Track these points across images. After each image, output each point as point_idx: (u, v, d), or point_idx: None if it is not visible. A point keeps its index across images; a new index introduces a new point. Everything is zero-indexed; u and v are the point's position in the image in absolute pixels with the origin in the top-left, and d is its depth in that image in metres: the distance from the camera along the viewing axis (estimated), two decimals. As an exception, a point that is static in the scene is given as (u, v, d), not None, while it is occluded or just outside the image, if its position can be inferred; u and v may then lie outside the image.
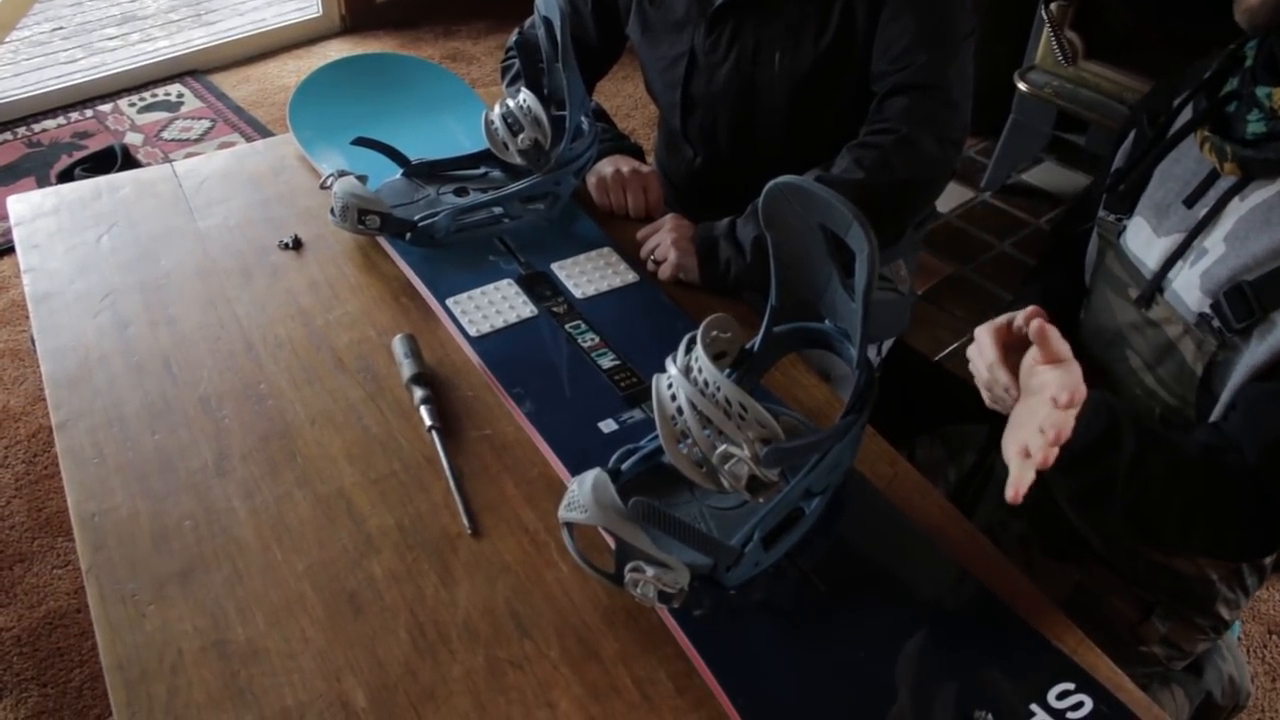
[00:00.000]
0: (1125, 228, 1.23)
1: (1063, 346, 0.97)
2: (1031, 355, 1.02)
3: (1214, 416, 1.11)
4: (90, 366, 1.32)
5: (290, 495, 1.16)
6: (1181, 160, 1.17)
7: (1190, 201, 1.14)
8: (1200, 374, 1.12)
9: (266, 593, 1.06)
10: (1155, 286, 1.16)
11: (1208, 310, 1.09)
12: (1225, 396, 1.09)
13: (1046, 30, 2.93)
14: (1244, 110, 1.09)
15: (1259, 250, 1.04)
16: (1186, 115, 1.18)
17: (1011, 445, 0.96)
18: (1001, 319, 1.16)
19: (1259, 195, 1.07)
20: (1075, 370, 0.96)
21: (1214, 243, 1.10)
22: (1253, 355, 1.05)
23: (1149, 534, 1.10)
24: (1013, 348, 1.14)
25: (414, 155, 1.61)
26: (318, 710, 0.96)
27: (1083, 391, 0.94)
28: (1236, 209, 1.09)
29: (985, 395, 1.16)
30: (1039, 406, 0.95)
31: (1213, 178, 1.12)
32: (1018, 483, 0.92)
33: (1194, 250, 1.12)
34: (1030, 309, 1.13)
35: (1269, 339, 1.03)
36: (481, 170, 1.63)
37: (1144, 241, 1.20)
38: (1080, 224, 1.37)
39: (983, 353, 1.14)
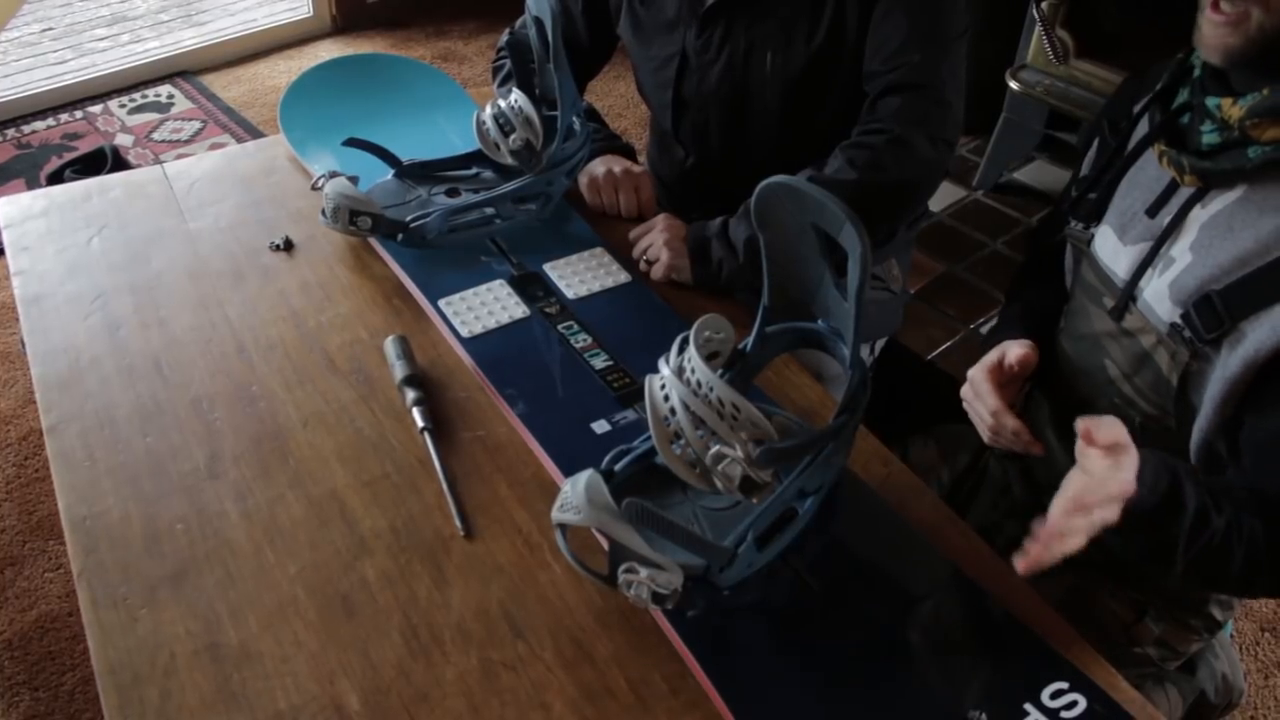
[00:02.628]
0: (1094, 236, 1.24)
1: (1112, 432, 0.93)
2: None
3: (1198, 433, 1.11)
4: (81, 369, 1.32)
5: (282, 497, 1.16)
6: (1144, 168, 1.17)
7: (1152, 211, 1.14)
8: (1176, 384, 1.11)
9: (259, 595, 1.06)
10: (1128, 296, 1.16)
11: (1178, 320, 1.08)
12: (1207, 410, 1.08)
13: (1038, 29, 2.93)
14: (1197, 122, 1.09)
15: (1224, 259, 1.04)
16: (1144, 127, 1.18)
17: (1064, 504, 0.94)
18: (992, 358, 1.19)
19: (1220, 203, 1.07)
20: (1128, 459, 0.93)
21: (1180, 251, 1.10)
22: (1225, 368, 1.04)
23: (1210, 585, 1.11)
24: (1007, 383, 1.17)
25: (405, 156, 1.60)
26: (311, 713, 0.95)
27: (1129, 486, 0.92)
28: (1199, 217, 1.09)
29: (986, 436, 1.18)
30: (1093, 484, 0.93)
31: (1174, 187, 1.12)
32: (1035, 560, 0.92)
33: (1161, 259, 1.12)
34: (1020, 352, 1.17)
35: (1239, 350, 1.02)
36: (473, 171, 1.63)
37: (1111, 251, 1.20)
38: (1057, 230, 1.37)
39: (982, 398, 1.17)
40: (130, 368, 1.32)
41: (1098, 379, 1.22)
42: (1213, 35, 1.03)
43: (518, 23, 1.71)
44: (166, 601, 1.05)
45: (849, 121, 1.53)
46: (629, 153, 1.72)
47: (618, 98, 3.78)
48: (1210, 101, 1.06)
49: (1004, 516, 1.39)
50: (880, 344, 1.80)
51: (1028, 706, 0.96)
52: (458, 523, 1.13)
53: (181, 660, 0.99)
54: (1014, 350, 1.19)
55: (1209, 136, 1.07)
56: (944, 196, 3.31)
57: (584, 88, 1.85)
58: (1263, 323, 1.00)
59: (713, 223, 1.47)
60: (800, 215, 1.00)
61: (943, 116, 1.48)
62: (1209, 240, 1.06)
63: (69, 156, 3.21)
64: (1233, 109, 1.03)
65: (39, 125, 3.58)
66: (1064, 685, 0.98)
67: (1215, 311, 1.04)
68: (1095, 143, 1.28)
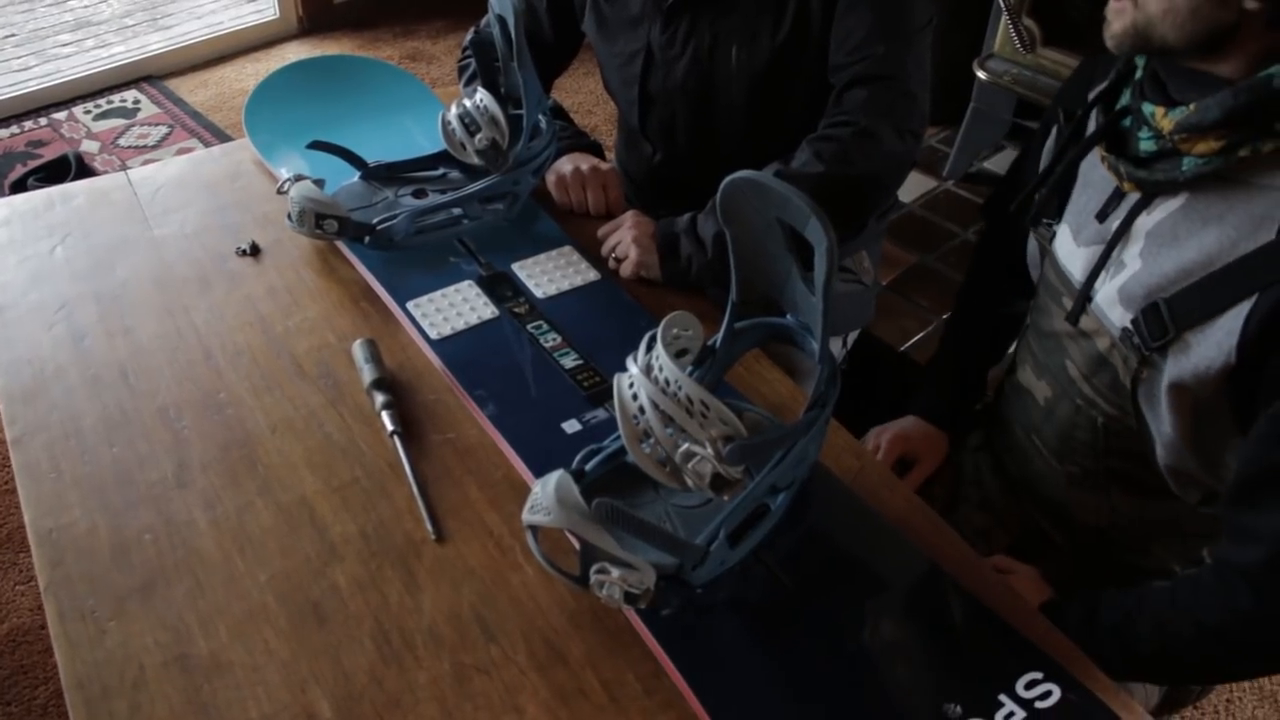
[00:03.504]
0: (1056, 233, 1.23)
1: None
2: None
3: (1162, 446, 1.12)
4: (46, 380, 1.30)
5: (252, 505, 1.15)
6: (1097, 167, 1.16)
7: (1102, 215, 1.13)
8: (1129, 387, 1.11)
9: (229, 605, 1.05)
10: (1084, 298, 1.15)
11: (1129, 325, 1.08)
12: (1165, 422, 1.09)
13: (1005, 18, 2.94)
14: (1136, 127, 1.08)
15: (1170, 268, 1.04)
16: (1093, 123, 1.17)
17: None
18: (899, 444, 1.44)
19: (1163, 211, 1.06)
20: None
21: (1131, 257, 1.09)
22: (1170, 377, 1.05)
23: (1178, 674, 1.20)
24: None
25: (372, 157, 1.59)
26: (283, 723, 0.95)
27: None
28: (1144, 224, 1.08)
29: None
30: None
31: (1121, 191, 1.12)
32: None
33: (1113, 263, 1.12)
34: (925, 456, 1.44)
35: (1185, 360, 1.02)
36: (440, 171, 1.62)
37: (1068, 251, 1.19)
38: (1003, 221, 1.38)
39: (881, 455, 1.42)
40: (96, 377, 1.30)
41: (1060, 378, 1.22)
42: (1110, 21, 1.03)
43: (482, 21, 1.70)
44: (135, 613, 1.03)
45: (815, 114, 1.52)
46: (596, 150, 1.71)
47: (586, 94, 3.77)
48: (1146, 108, 1.05)
49: (975, 509, 1.39)
50: (853, 337, 1.80)
51: (1002, 697, 0.96)
52: (428, 526, 1.12)
53: (151, 672, 0.98)
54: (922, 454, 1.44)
55: (1145, 144, 1.06)
56: (914, 187, 3.32)
57: (550, 85, 1.84)
58: (1208, 337, 1.00)
59: (681, 219, 1.47)
60: (765, 210, 0.99)
61: (908, 108, 1.48)
62: (1156, 248, 1.06)
63: (33, 164, 3.18)
64: (1164, 120, 1.02)
65: (2, 133, 3.54)
66: (1038, 675, 0.98)
67: (1161, 320, 1.04)
68: (1054, 131, 1.28)
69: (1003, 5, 2.91)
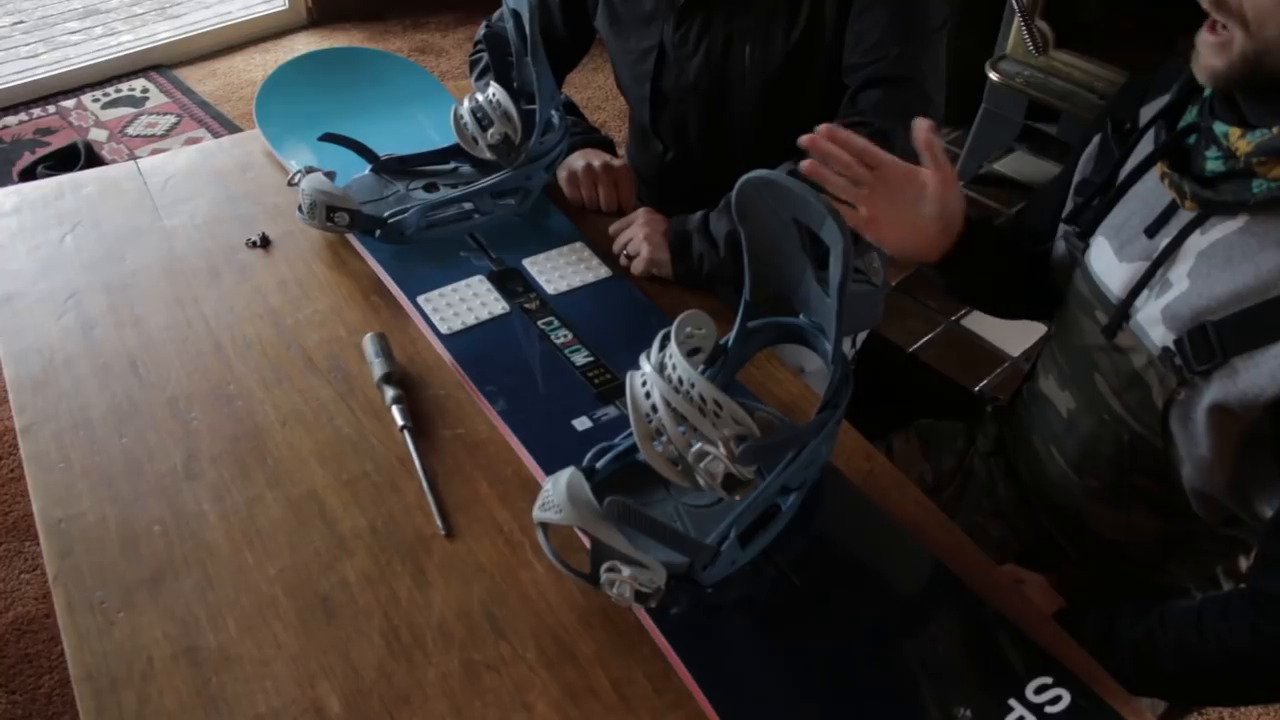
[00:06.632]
0: (1090, 245, 1.21)
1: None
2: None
3: (1192, 469, 1.10)
4: (55, 369, 1.30)
5: (261, 498, 1.15)
6: (1145, 180, 1.13)
7: (1151, 231, 1.10)
8: (1161, 408, 1.09)
9: (238, 598, 1.04)
10: (1122, 314, 1.13)
11: (1171, 346, 1.05)
12: (1201, 447, 1.06)
13: (1017, 20, 2.93)
14: (1203, 145, 1.04)
15: (1221, 291, 1.01)
16: (1149, 141, 1.14)
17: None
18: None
19: (1219, 231, 1.03)
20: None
21: (1178, 277, 1.06)
22: (1213, 402, 1.02)
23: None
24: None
25: (383, 151, 1.59)
26: (291, 716, 0.94)
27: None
28: (1197, 244, 1.05)
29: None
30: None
31: (1174, 208, 1.08)
32: None
33: (1158, 282, 1.09)
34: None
35: (1232, 387, 1.00)
36: (451, 165, 1.62)
37: (1106, 265, 1.16)
38: (1036, 230, 1.35)
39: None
40: (105, 367, 1.30)
41: (1087, 391, 1.21)
42: (1205, 55, 0.99)
43: (495, 15, 1.70)
44: (144, 605, 1.03)
45: (829, 114, 1.51)
46: (608, 146, 1.71)
47: (596, 90, 3.76)
48: (1218, 128, 1.02)
49: (986, 515, 1.39)
50: (861, 337, 1.80)
51: (1012, 702, 0.95)
52: (438, 522, 1.12)
53: (159, 664, 0.98)
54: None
55: (1213, 164, 1.02)
56: (924, 187, 3.31)
57: (562, 80, 1.83)
58: (1259, 365, 0.97)
59: (693, 217, 1.46)
60: (781, 209, 0.99)
61: (923, 110, 1.46)
62: (1207, 269, 1.03)
63: (41, 152, 3.18)
64: (1240, 141, 0.99)
65: (10, 120, 3.54)
66: (1048, 680, 0.97)
67: (1209, 343, 1.01)
68: (1096, 141, 1.25)
69: (1015, 7, 2.90)
